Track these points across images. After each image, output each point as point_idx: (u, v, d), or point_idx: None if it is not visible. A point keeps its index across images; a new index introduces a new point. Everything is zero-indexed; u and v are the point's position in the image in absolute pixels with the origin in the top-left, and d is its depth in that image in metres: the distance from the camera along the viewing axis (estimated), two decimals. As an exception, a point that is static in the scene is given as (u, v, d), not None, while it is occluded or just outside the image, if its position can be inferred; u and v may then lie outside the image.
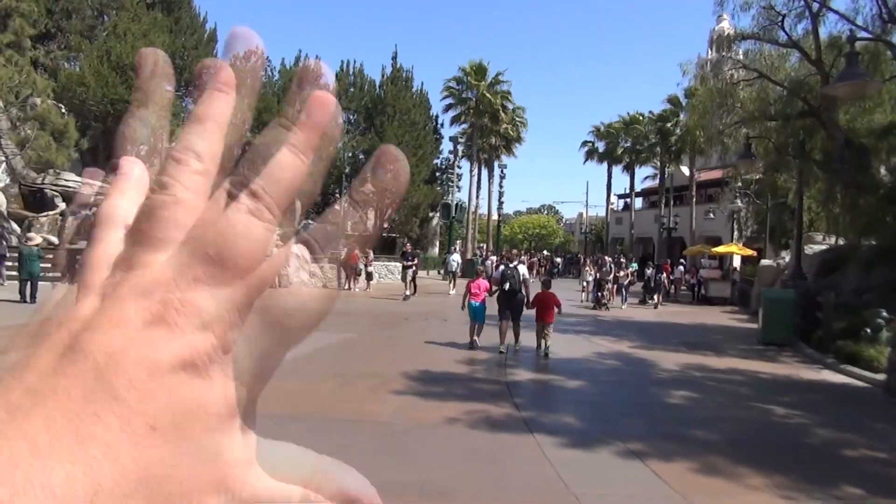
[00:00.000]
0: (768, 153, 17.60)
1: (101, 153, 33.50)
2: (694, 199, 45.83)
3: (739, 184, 38.03)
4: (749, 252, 29.81)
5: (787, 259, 24.63)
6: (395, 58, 37.17)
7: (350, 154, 37.98)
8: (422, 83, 64.82)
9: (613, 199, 61.78)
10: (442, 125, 44.87)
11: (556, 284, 13.76)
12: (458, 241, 39.70)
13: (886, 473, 5.80)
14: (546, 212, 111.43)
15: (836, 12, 13.69)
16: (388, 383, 8.24)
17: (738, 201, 30.66)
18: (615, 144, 54.22)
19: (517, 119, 46.19)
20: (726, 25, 72.36)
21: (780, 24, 14.35)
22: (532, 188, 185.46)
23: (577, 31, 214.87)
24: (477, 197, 46.75)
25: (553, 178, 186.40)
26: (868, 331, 11.14)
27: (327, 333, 12.20)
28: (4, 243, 19.52)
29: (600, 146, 56.02)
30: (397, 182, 0.30)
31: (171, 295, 0.25)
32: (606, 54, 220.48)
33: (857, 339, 11.45)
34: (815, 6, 13.88)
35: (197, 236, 0.27)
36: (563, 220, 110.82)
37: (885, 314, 11.22)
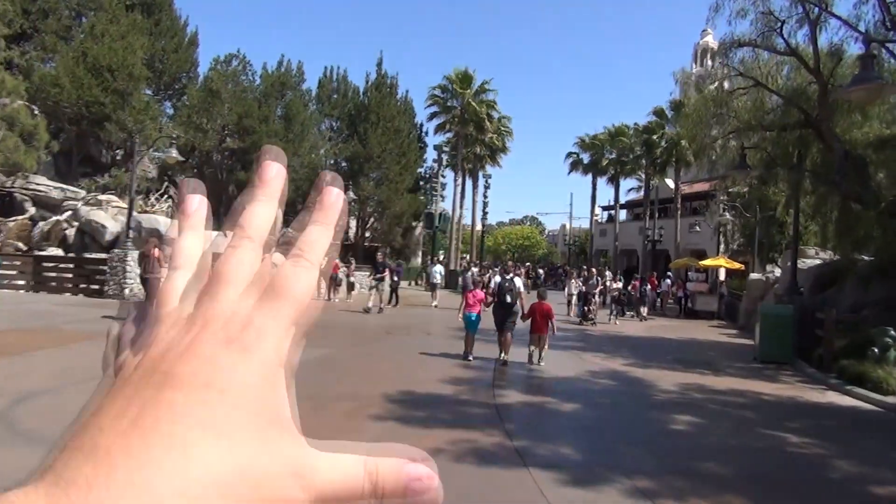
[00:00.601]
0: (762, 164, 17.13)
1: (75, 157, 32.48)
2: (679, 212, 45.51)
3: (724, 197, 37.85)
4: (737, 265, 29.38)
5: (777, 273, 24.21)
6: (379, 64, 36.50)
7: (332, 161, 37.18)
8: (406, 91, 64.24)
9: (598, 210, 61.50)
10: (426, 133, 44.29)
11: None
12: (441, 252, 39.01)
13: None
14: (529, 223, 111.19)
15: (838, 17, 13.23)
16: (366, 406, 7.51)
17: (727, 214, 30.24)
18: (600, 156, 53.89)
19: (503, 129, 45.66)
20: (710, 40, 72.60)
21: (778, 30, 13.88)
22: (515, 199, 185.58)
23: (564, 42, 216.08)
24: (461, 207, 46.13)
25: (536, 189, 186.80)
26: (875, 350, 10.58)
27: (302, 350, 11.49)
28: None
29: (585, 158, 55.66)
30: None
31: (248, 320, 0.34)
32: (592, 66, 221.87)
33: (861, 359, 10.90)
34: (815, 12, 13.42)
35: (262, 279, 0.36)
36: (546, 231, 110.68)
37: (893, 333, 10.66)
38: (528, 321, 11.45)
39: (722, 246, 36.04)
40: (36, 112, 29.12)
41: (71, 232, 27.32)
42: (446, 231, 43.13)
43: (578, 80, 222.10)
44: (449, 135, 43.27)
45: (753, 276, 24.68)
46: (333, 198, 0.40)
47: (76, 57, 29.98)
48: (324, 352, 11.30)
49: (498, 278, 12.62)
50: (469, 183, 47.41)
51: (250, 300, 0.35)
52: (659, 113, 46.25)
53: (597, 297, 20.09)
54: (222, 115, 33.92)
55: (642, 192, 53.92)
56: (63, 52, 30.76)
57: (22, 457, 4.87)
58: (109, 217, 27.30)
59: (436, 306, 22.42)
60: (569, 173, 58.65)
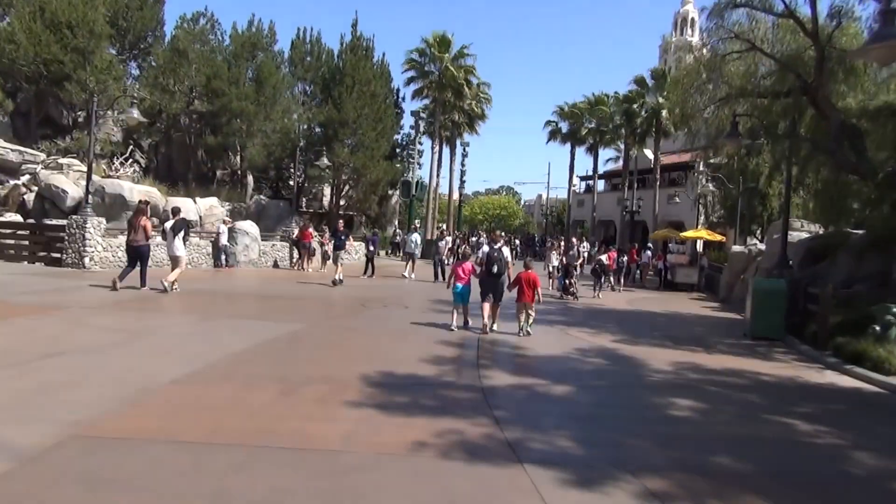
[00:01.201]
0: (753, 132, 16.53)
1: (34, 118, 30.87)
2: (658, 183, 45.12)
3: (705, 168, 37.44)
4: (718, 237, 29.04)
5: (759, 246, 23.86)
6: (354, 25, 35.13)
7: (306, 126, 35.98)
8: (383, 54, 62.69)
9: (576, 181, 60.96)
10: (403, 99, 43.09)
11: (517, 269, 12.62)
12: (417, 221, 38.16)
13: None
14: (504, 193, 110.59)
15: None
16: (340, 391, 6.80)
17: (710, 185, 29.80)
18: (579, 125, 53.22)
19: (482, 95, 44.62)
20: (691, 8, 72.13)
21: (776, -11, 13.20)
22: (492, 169, 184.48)
23: (543, 8, 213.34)
24: (438, 175, 45.22)
25: (513, 159, 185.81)
26: (876, 328, 10.10)
27: (272, 324, 10.72)
28: None
29: (564, 127, 54.98)
30: None
31: None
32: (572, 34, 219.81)
33: (857, 336, 10.44)
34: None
35: None
36: (523, 201, 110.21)
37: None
38: (514, 291, 11.57)
39: (702, 218, 35.71)
40: (-11, 70, 27.57)
41: (30, 197, 26.01)
42: (423, 200, 42.24)
43: (558, 48, 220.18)
44: (426, 101, 42.18)
45: (735, 248, 24.34)
46: None
47: (33, 12, 28.28)
48: (294, 327, 10.55)
49: (486, 248, 12.48)
50: (446, 151, 46.50)
51: None
52: (640, 82, 45.58)
53: (578, 269, 19.47)
54: (190, 76, 32.47)
55: (620, 163, 53.47)
56: (19, 6, 28.98)
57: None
58: (71, 182, 26.01)
59: (412, 278, 21.62)
60: (547, 142, 58.06)
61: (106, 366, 7.26)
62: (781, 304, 12.68)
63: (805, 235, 18.42)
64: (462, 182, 46.33)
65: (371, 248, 22.68)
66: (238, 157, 35.79)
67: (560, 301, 17.99)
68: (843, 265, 14.23)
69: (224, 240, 22.21)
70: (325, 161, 31.28)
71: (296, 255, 24.66)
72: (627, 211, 45.86)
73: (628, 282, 27.92)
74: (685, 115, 16.42)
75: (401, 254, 29.04)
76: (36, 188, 25.99)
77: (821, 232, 19.54)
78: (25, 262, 18.46)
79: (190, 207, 26.67)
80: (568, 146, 56.09)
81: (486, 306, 11.42)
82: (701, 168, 37.52)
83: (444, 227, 46.10)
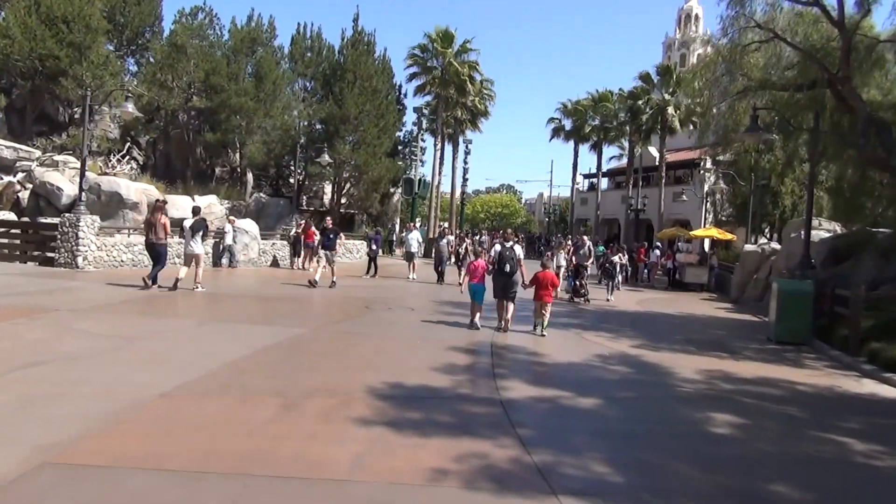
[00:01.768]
0: (770, 127, 15.88)
1: (30, 114, 30.23)
2: (663, 181, 44.43)
3: (712, 166, 36.79)
4: (730, 236, 28.39)
5: (773, 245, 23.24)
6: (356, 20, 34.48)
7: (306, 123, 35.35)
8: (384, 49, 62.05)
9: (579, 178, 60.28)
10: (405, 95, 42.42)
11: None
12: (417, 219, 37.50)
13: None
14: (505, 191, 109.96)
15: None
16: (346, 405, 6.18)
17: (721, 182, 29.13)
18: (583, 122, 52.46)
19: (485, 91, 43.90)
20: (694, 5, 71.46)
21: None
22: (493, 167, 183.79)
23: (546, 3, 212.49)
24: (439, 173, 44.54)
25: (514, 156, 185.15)
26: (919, 333, 9.50)
27: (272, 329, 10.09)
28: None
29: (567, 124, 54.24)
30: None
31: None
32: (576, 31, 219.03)
33: (893, 341, 9.85)
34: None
35: None
36: (524, 200, 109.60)
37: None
38: (531, 290, 11.60)
39: (710, 216, 35.04)
40: (-17, 65, 26.95)
41: (25, 195, 25.40)
42: (426, 198, 41.58)
43: (561, 45, 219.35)
44: (429, 97, 41.48)
45: (748, 247, 23.70)
46: None
47: (28, 6, 27.67)
48: (295, 332, 9.93)
49: (498, 247, 12.27)
50: (449, 148, 45.83)
51: None
52: (645, 78, 44.86)
53: (589, 269, 18.70)
54: (188, 72, 31.80)
55: (624, 160, 52.79)
56: (13, 0, 28.34)
57: None
58: (66, 179, 25.39)
59: (414, 278, 20.89)
60: (550, 140, 57.32)
61: (92, 376, 6.64)
62: (808, 306, 12.06)
63: (824, 234, 17.76)
64: (465, 180, 45.68)
65: (374, 247, 22.06)
66: (237, 155, 35.16)
67: (569, 303, 17.27)
68: (869, 265, 13.61)
69: (230, 239, 21.61)
70: (325, 158, 30.64)
71: (296, 253, 23.99)
72: (632, 209, 45.19)
73: (637, 282, 27.36)
74: (702, 108, 15.78)
75: (403, 253, 28.25)
76: (31, 186, 25.38)
77: (839, 231, 18.90)
78: (18, 262, 17.85)
79: (187, 205, 26.02)
80: (571, 144, 55.39)
81: (500, 305, 11.58)
82: (709, 165, 36.91)
83: (446, 225, 45.45)
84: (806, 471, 5.29)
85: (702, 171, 40.36)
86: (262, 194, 34.89)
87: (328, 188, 37.88)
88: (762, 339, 12.72)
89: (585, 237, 20.25)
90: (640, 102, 44.64)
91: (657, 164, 45.20)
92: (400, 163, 38.61)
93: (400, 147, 40.25)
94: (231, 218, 23.42)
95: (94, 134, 30.69)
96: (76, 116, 31.15)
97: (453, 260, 22.62)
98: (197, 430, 5.26)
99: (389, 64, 37.39)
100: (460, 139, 44.93)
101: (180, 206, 27.38)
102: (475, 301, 11.71)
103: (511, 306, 11.53)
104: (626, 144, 50.55)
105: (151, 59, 33.07)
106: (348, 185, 35.89)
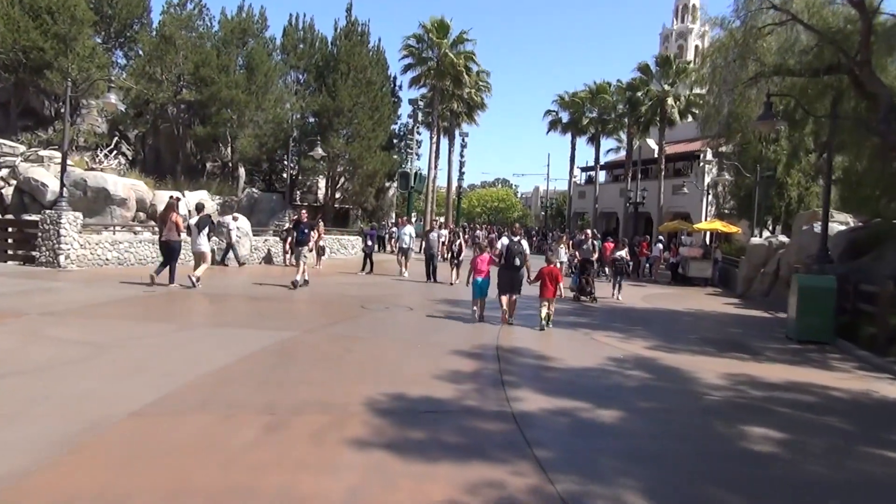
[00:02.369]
0: (778, 115, 15.19)
1: (14, 108, 29.34)
2: (662, 173, 43.72)
3: (710, 157, 36.08)
4: (734, 229, 27.70)
5: (781, 238, 22.58)
6: (349, 10, 33.76)
7: (299, 116, 34.53)
8: (379, 39, 60.97)
9: (576, 172, 59.54)
10: (400, 87, 41.58)
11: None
12: (412, 213, 36.75)
13: None
14: (500, 185, 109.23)
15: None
16: (341, 423, 5.48)
17: (725, 173, 28.43)
18: (580, 114, 51.71)
19: (481, 83, 43.10)
20: (691, -5, 70.19)
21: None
22: (489, 160, 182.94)
23: None
24: (435, 167, 43.79)
25: (512, 150, 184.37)
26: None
27: (260, 333, 9.35)
28: None
29: (564, 116, 53.50)
30: None
31: None
32: (571, 21, 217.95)
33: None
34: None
35: None
36: (520, 193, 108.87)
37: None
38: (537, 286, 11.51)
39: (711, 208, 34.35)
40: (-36, 58, 26.06)
41: (8, 191, 24.56)
42: (422, 192, 40.82)
43: (557, 37, 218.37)
44: (424, 89, 40.68)
45: (755, 240, 23.03)
46: None
47: (11, -3, 26.75)
48: (285, 335, 9.21)
49: (505, 240, 12.32)
50: (445, 141, 45.06)
51: None
52: (643, 69, 44.09)
53: (595, 265, 17.82)
54: (177, 64, 30.94)
55: (622, 153, 52.10)
56: (-4, -9, 27.43)
57: None
58: (51, 175, 24.54)
59: (407, 276, 19.94)
60: (547, 132, 56.63)
61: (57, 391, 5.92)
62: (830, 303, 11.39)
63: (838, 226, 17.08)
64: (461, 174, 44.92)
65: (369, 242, 21.32)
66: (229, 149, 34.33)
67: (574, 301, 16.41)
68: (892, 259, 12.92)
69: (234, 236, 20.86)
70: (319, 151, 29.84)
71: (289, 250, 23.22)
72: (631, 202, 44.49)
73: (639, 276, 26.71)
74: (710, 95, 15.09)
75: (396, 250, 27.30)
76: (15, 182, 24.55)
77: (851, 223, 18.24)
78: (-1, 261, 17.07)
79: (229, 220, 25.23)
80: (569, 136, 54.69)
81: (504, 299, 11.53)
82: (710, 157, 36.19)
83: (442, 220, 44.69)
84: (866, 498, 4.61)
85: (702, 164, 39.66)
86: (254, 189, 34.06)
87: (322, 183, 37.09)
88: (781, 338, 12.05)
89: (588, 231, 19.41)
90: (638, 94, 43.90)
91: (656, 156, 44.51)
92: (395, 156, 37.80)
93: (395, 140, 39.44)
94: (235, 214, 22.62)
95: (80, 128, 29.87)
96: (62, 111, 30.26)
97: (448, 256, 21.64)
98: (167, 457, 4.54)
99: (384, 55, 36.61)
100: (456, 132, 44.18)
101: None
102: (477, 296, 11.78)
103: (515, 298, 11.64)
104: (625, 137, 49.84)
105: (140, 52, 32.20)
106: (342, 180, 35.10)
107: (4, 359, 6.98)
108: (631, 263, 26.14)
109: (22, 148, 26.37)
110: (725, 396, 7.35)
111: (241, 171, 34.89)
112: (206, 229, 14.70)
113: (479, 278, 11.79)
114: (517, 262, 11.43)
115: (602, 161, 54.99)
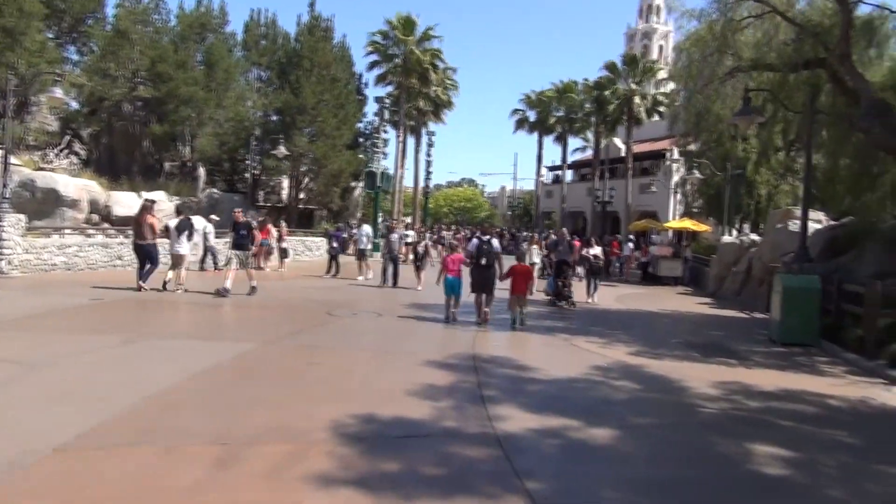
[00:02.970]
0: (757, 109, 14.87)
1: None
2: (630, 172, 43.66)
3: (677, 156, 36.05)
4: (704, 228, 27.56)
5: (753, 236, 22.42)
6: (312, 5, 32.78)
7: (261, 114, 33.52)
8: (344, 35, 59.89)
9: (543, 171, 59.33)
10: (366, 85, 40.77)
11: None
12: (379, 214, 35.93)
13: None
14: (466, 185, 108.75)
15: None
16: (303, 454, 4.79)
17: (696, 171, 28.27)
18: (547, 114, 51.55)
19: (447, 81, 42.51)
20: (655, -4, 70.63)
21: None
22: (455, 160, 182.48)
23: None
24: (402, 167, 43.05)
25: (478, 149, 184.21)
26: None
27: (213, 344, 8.57)
28: None
29: (531, 115, 53.29)
30: None
31: None
32: (537, 20, 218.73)
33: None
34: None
35: None
36: (486, 193, 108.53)
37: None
38: (507, 283, 11.54)
39: (680, 207, 34.28)
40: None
41: (-51, 193, 23.23)
42: (389, 192, 40.04)
43: (523, 35, 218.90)
44: (390, 87, 39.96)
45: (726, 238, 22.85)
46: None
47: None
48: (242, 348, 8.44)
49: (475, 240, 12.41)
50: (411, 140, 44.37)
51: None
52: (611, 67, 44.04)
53: (573, 269, 17.10)
54: (133, 59, 29.70)
55: (589, 153, 52.03)
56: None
57: None
58: (-3, 175, 23.27)
59: (368, 278, 18.78)
60: (514, 131, 56.44)
61: (-29, 420, 5.12)
62: (815, 304, 11.03)
63: (813, 224, 16.84)
64: (428, 173, 44.21)
65: (335, 244, 20.50)
66: (188, 148, 33.13)
67: (549, 305, 15.75)
68: (873, 258, 12.66)
69: (212, 240, 19.85)
70: (282, 150, 28.89)
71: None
72: (599, 201, 44.34)
73: (608, 276, 26.35)
74: (687, 91, 14.71)
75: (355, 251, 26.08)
76: (-44, 183, 23.16)
77: (824, 221, 18.06)
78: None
79: (133, 202, 24.08)
80: (536, 136, 54.48)
81: (478, 299, 11.53)
82: (676, 156, 36.14)
83: (409, 220, 43.92)
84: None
85: (669, 162, 39.64)
86: (214, 190, 32.90)
87: (286, 183, 36.11)
88: (764, 340, 11.67)
89: (564, 230, 18.87)
90: (606, 93, 43.80)
91: (623, 155, 44.46)
92: (361, 155, 36.92)
93: (361, 139, 38.57)
94: (212, 217, 21.48)
95: (29, 126, 28.46)
96: (6, 105, 28.83)
97: (412, 258, 20.54)
98: (93, 507, 3.80)
99: (349, 52, 35.84)
100: (423, 131, 43.50)
101: (125, 202, 25.47)
102: (448, 294, 11.72)
103: (489, 301, 11.55)
104: (592, 136, 49.76)
105: (94, 48, 30.85)
106: (307, 180, 34.19)
107: (-85, 382, 6.13)
108: (601, 262, 25.82)
109: (-35, 147, 24.94)
110: (722, 409, 6.82)
111: (201, 170, 33.71)
112: (187, 232, 14.43)
113: (450, 276, 11.73)
114: (485, 261, 11.45)
115: (569, 160, 54.91)
